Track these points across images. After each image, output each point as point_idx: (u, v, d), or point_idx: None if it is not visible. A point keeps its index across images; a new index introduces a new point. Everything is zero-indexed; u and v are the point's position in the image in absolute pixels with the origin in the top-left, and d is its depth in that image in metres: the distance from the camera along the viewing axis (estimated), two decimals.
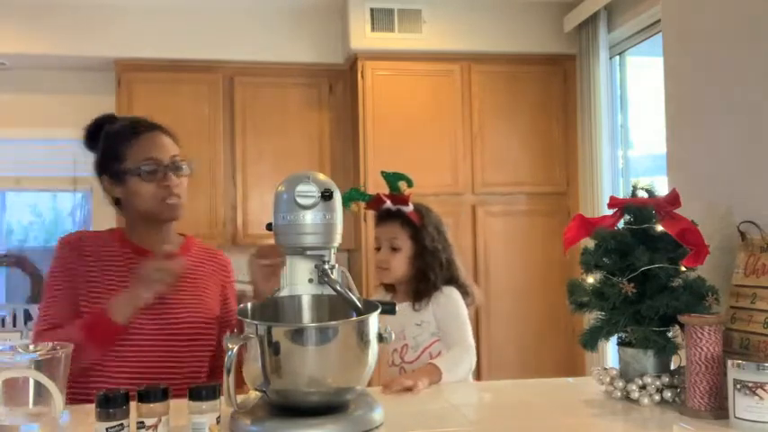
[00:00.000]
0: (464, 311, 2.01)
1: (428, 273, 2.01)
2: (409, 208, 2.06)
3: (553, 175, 4.23)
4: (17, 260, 4.27)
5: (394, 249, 2.04)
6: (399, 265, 2.03)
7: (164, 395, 1.19)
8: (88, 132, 1.78)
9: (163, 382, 1.24)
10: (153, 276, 1.56)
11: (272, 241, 1.42)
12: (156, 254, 1.64)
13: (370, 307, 1.32)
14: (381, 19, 4.05)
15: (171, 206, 1.70)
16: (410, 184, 2.08)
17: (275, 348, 1.19)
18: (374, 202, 2.09)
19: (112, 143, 1.72)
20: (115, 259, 1.70)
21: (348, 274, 1.40)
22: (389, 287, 2.14)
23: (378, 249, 2.08)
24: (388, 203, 2.07)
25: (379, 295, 2.16)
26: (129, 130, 1.72)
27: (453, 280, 2.05)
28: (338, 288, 1.35)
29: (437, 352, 1.97)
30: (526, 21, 4.19)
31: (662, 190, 1.59)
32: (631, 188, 1.58)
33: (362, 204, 2.14)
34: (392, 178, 2.10)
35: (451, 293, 2.01)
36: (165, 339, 1.64)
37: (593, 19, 3.93)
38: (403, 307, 1.99)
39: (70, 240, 1.74)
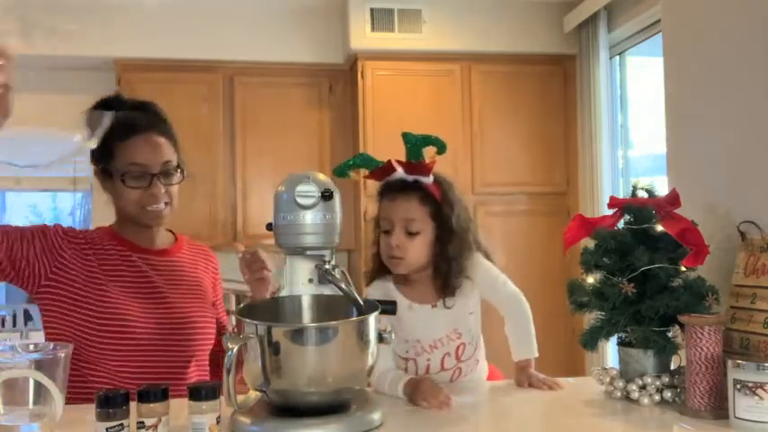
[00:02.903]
0: (495, 268, 1.70)
1: (455, 261, 1.62)
2: (429, 179, 1.63)
3: (553, 175, 4.23)
4: None
5: (411, 233, 1.60)
6: (418, 252, 1.61)
7: (164, 395, 1.19)
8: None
9: (164, 381, 1.23)
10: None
11: (270, 241, 1.41)
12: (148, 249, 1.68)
13: (370, 307, 1.32)
14: (381, 19, 4.05)
15: (152, 213, 1.66)
16: (442, 150, 1.62)
17: (275, 348, 1.19)
18: (381, 170, 1.63)
19: (107, 137, 1.60)
20: (109, 255, 1.68)
21: (347, 275, 1.40)
22: (386, 277, 1.69)
23: (386, 233, 1.62)
24: (401, 173, 1.62)
25: (378, 289, 1.69)
26: (125, 128, 1.64)
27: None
28: (342, 286, 1.35)
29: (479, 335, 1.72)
30: (526, 21, 4.19)
31: (662, 190, 1.59)
32: (631, 188, 1.58)
33: (362, 173, 1.68)
34: (416, 141, 1.63)
35: (480, 260, 1.68)
36: (166, 337, 1.63)
37: (593, 19, 3.93)
38: (441, 305, 1.66)
39: (66, 229, 1.70)
